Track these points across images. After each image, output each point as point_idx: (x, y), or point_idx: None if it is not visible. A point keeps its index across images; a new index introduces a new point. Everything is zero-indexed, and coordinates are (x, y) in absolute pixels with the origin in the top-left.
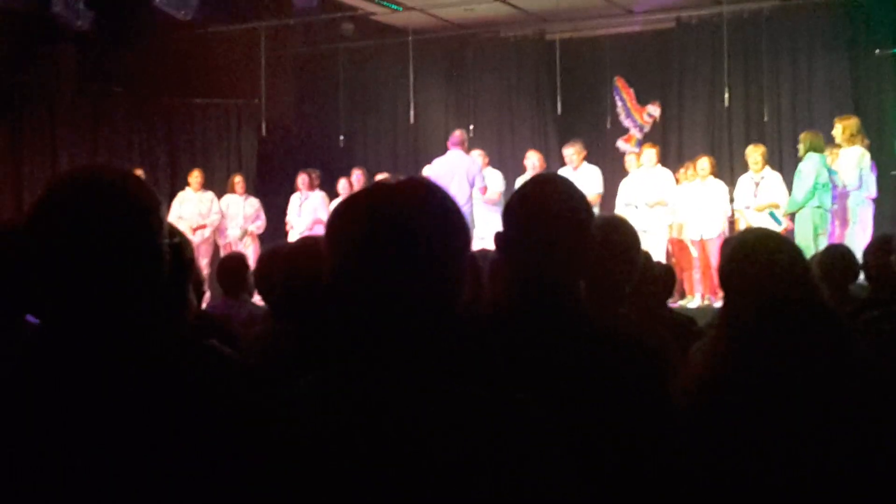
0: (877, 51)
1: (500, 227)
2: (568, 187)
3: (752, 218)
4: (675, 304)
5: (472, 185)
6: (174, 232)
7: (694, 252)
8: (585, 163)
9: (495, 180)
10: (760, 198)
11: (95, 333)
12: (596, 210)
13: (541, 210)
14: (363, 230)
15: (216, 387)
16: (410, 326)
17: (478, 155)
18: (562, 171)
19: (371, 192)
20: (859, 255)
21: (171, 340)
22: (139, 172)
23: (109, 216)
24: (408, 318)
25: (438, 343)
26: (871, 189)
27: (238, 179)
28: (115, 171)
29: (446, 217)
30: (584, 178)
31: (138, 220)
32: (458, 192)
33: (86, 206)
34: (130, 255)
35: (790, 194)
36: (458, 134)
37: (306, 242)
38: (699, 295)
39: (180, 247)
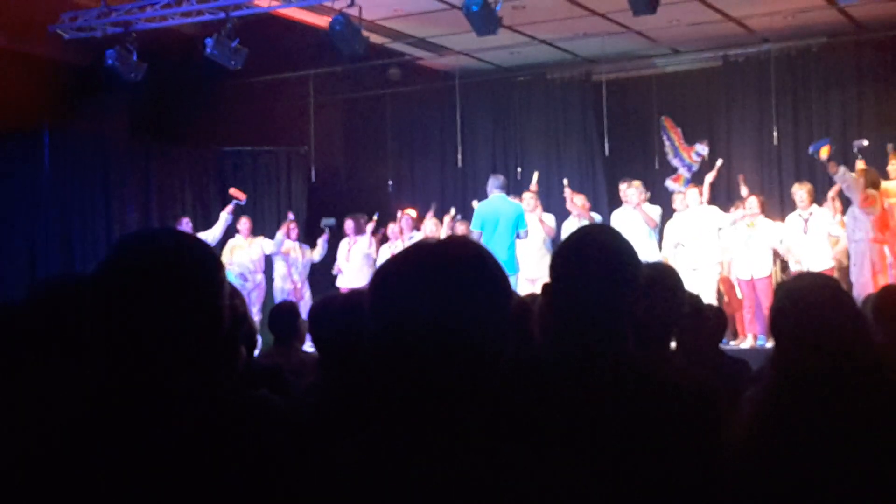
0: None
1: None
2: (615, 238)
3: (803, 255)
4: (726, 344)
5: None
6: (234, 293)
7: (739, 293)
8: (647, 203)
9: (550, 223)
10: (811, 234)
11: (151, 390)
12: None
13: (589, 260)
14: (407, 291)
15: (263, 439)
16: (454, 386)
17: (530, 197)
18: (620, 210)
19: (413, 252)
20: None
21: (220, 393)
22: (186, 221)
23: (172, 279)
24: (452, 377)
25: (483, 400)
26: None
27: (292, 226)
28: (178, 234)
29: (488, 274)
30: (646, 212)
31: (201, 282)
32: (505, 235)
33: (150, 268)
34: (191, 316)
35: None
36: (500, 177)
37: (359, 294)
38: (751, 336)
39: (233, 302)
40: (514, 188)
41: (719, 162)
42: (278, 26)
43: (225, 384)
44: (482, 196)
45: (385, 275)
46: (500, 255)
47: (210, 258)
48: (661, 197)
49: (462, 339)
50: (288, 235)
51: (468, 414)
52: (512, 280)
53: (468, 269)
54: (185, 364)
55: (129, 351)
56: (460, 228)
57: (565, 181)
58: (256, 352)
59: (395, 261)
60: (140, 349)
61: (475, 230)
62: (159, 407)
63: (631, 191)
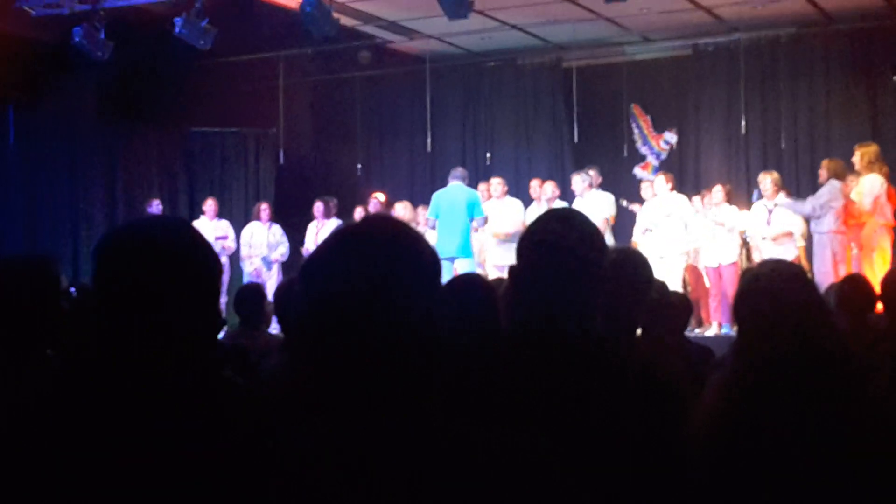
0: (894, 77)
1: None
2: (581, 221)
3: (767, 247)
4: (691, 332)
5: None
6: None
7: (707, 281)
8: (595, 189)
9: (516, 210)
10: (773, 225)
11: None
12: (607, 235)
13: (553, 244)
14: (330, 273)
15: (224, 419)
16: (391, 364)
17: (498, 183)
18: (581, 198)
19: (336, 236)
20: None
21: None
22: (157, 203)
23: (167, 268)
24: (386, 356)
25: (427, 378)
26: (889, 216)
27: (264, 207)
28: (173, 221)
29: (409, 249)
30: (595, 204)
31: (194, 273)
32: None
33: (144, 257)
34: (189, 297)
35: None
36: (460, 169)
37: None
38: (716, 323)
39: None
40: (484, 173)
41: None
42: (249, 7)
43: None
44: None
45: (311, 260)
46: (452, 240)
47: (214, 257)
48: (629, 184)
49: (389, 316)
50: (259, 218)
51: (414, 393)
52: (468, 264)
53: (387, 245)
54: (173, 342)
55: (122, 334)
56: (422, 213)
57: (624, 202)
58: (221, 334)
59: (320, 246)
60: (132, 331)
61: (430, 217)
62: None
63: (576, 179)
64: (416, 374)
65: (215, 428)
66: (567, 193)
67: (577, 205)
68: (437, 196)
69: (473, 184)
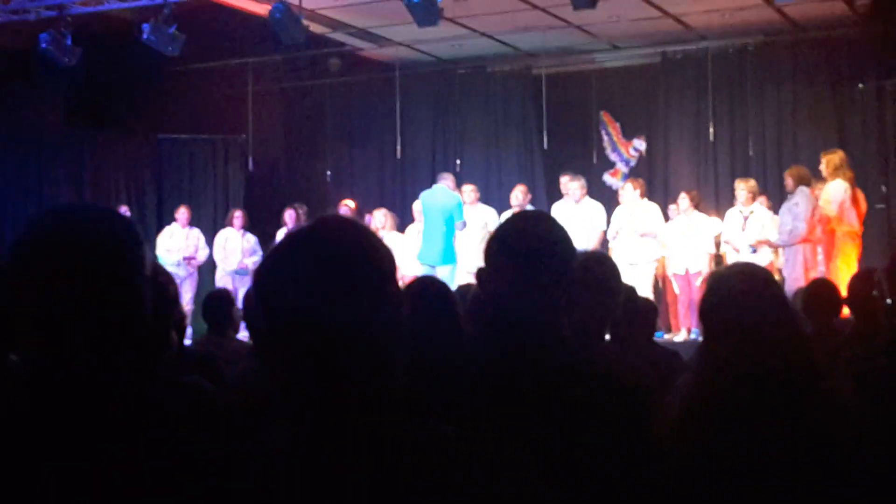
0: (860, 85)
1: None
2: (550, 224)
3: (740, 251)
4: (661, 338)
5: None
6: (158, 270)
7: (676, 287)
8: (588, 197)
9: (490, 217)
10: (748, 232)
11: (76, 370)
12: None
13: (522, 247)
14: (284, 277)
15: (192, 425)
16: (351, 367)
17: (470, 190)
18: (561, 203)
19: (288, 240)
20: (844, 289)
21: (150, 377)
22: (124, 210)
23: (89, 254)
24: (344, 360)
25: (393, 378)
26: (854, 223)
27: (237, 214)
28: (95, 209)
29: (367, 248)
30: (590, 212)
31: (119, 257)
32: (440, 226)
33: (64, 243)
34: (111, 291)
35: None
36: (445, 173)
37: None
38: (685, 329)
39: (163, 285)
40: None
41: None
42: (217, 13)
43: (155, 367)
44: (421, 187)
45: (266, 265)
46: (432, 247)
47: (127, 230)
48: (598, 191)
49: (347, 318)
50: (232, 224)
51: (378, 395)
52: (447, 271)
53: (341, 246)
54: (108, 341)
55: (49, 327)
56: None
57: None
58: (188, 341)
59: (274, 250)
60: (59, 325)
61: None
62: (85, 389)
63: (573, 184)
64: (378, 375)
65: (172, 433)
66: (536, 200)
67: (573, 211)
68: (422, 197)
69: None
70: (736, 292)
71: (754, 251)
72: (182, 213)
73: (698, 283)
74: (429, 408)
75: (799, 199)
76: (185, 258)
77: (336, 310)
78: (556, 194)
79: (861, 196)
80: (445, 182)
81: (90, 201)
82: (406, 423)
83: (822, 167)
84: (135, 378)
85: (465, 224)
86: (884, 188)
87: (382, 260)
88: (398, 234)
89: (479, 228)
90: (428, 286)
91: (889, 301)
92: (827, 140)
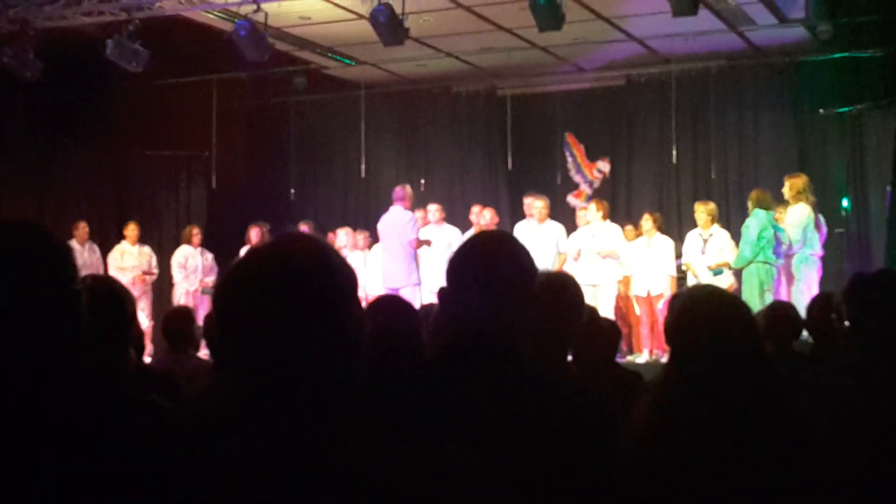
0: (821, 110)
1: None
2: (511, 244)
3: (701, 273)
4: (623, 359)
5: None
6: (115, 286)
7: (637, 309)
8: (550, 219)
9: (454, 237)
10: (708, 255)
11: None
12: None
13: (483, 266)
14: (251, 295)
15: (150, 441)
16: (317, 377)
17: (435, 210)
18: (524, 224)
19: (246, 258)
20: (804, 312)
21: (106, 394)
22: (82, 225)
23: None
24: (313, 369)
25: (354, 393)
26: (816, 247)
27: (196, 231)
28: (24, 224)
29: (327, 265)
30: (552, 233)
31: (37, 267)
32: (396, 246)
33: None
34: (29, 300)
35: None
36: (398, 189)
37: None
38: (647, 351)
39: (121, 301)
40: (419, 200)
41: None
42: (183, 29)
43: (112, 385)
44: (385, 207)
45: (226, 281)
46: (393, 268)
47: (50, 242)
48: (562, 212)
49: (306, 335)
50: (190, 242)
51: (337, 410)
52: (411, 292)
53: (302, 263)
54: (36, 352)
55: None
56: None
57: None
58: (148, 359)
59: (234, 268)
60: None
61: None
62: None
63: (537, 203)
64: (337, 393)
65: (130, 446)
66: (502, 220)
67: (536, 231)
68: (380, 221)
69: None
70: (701, 312)
71: (716, 274)
72: (131, 229)
73: (660, 305)
74: (389, 426)
75: (750, 222)
76: (143, 272)
77: (295, 327)
78: (519, 214)
79: (822, 220)
80: (401, 202)
81: (50, 216)
82: (364, 439)
83: (785, 190)
84: (88, 393)
85: (417, 241)
86: (844, 212)
87: (343, 277)
88: (362, 253)
89: (444, 248)
90: (390, 305)
91: (847, 324)
92: (788, 164)
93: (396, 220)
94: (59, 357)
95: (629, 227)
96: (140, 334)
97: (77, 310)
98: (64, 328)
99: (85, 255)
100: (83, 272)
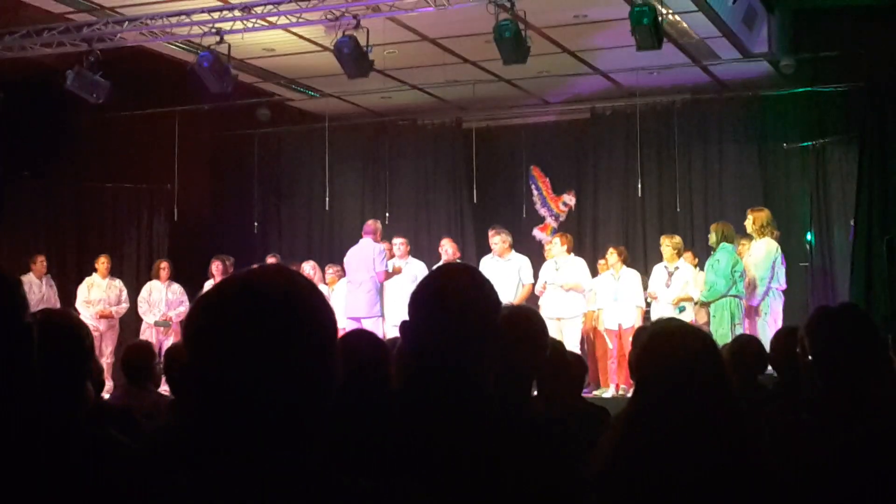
0: (784, 144)
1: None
2: (474, 277)
3: (664, 308)
4: (589, 393)
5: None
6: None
7: (610, 343)
8: (514, 252)
9: (419, 270)
10: (673, 288)
11: None
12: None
13: (446, 300)
14: (224, 325)
15: (104, 476)
16: (284, 417)
17: (400, 243)
18: (488, 258)
19: (226, 288)
20: (769, 346)
21: (61, 428)
22: (40, 259)
23: None
24: (281, 409)
25: (318, 431)
26: (781, 280)
27: (164, 265)
28: None
29: (303, 299)
30: (517, 266)
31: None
32: (363, 277)
33: None
34: None
35: (703, 284)
36: (369, 223)
37: None
38: (614, 385)
39: (79, 337)
40: (383, 232)
41: None
42: (145, 60)
43: (69, 419)
44: (350, 240)
45: (193, 314)
46: (357, 295)
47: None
48: (528, 245)
49: (271, 372)
50: (158, 277)
51: (298, 449)
52: (373, 323)
53: (277, 296)
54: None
55: None
56: (328, 272)
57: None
58: (107, 395)
59: (204, 298)
60: None
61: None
62: None
63: (495, 238)
64: (302, 428)
65: (85, 482)
66: (465, 254)
67: (500, 265)
68: (348, 255)
69: None
70: (666, 346)
71: (680, 311)
72: (102, 262)
73: (631, 338)
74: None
75: (720, 256)
76: (98, 315)
77: (266, 361)
78: (485, 248)
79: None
80: (371, 235)
81: (6, 249)
82: (325, 475)
83: (749, 223)
84: (44, 427)
85: (386, 273)
86: (808, 246)
87: (322, 315)
88: (327, 287)
89: (409, 282)
90: (359, 340)
91: (810, 358)
92: (752, 197)
93: (366, 253)
94: (7, 392)
95: (602, 262)
96: (100, 370)
97: (27, 344)
98: (12, 362)
99: (43, 289)
100: (40, 306)
